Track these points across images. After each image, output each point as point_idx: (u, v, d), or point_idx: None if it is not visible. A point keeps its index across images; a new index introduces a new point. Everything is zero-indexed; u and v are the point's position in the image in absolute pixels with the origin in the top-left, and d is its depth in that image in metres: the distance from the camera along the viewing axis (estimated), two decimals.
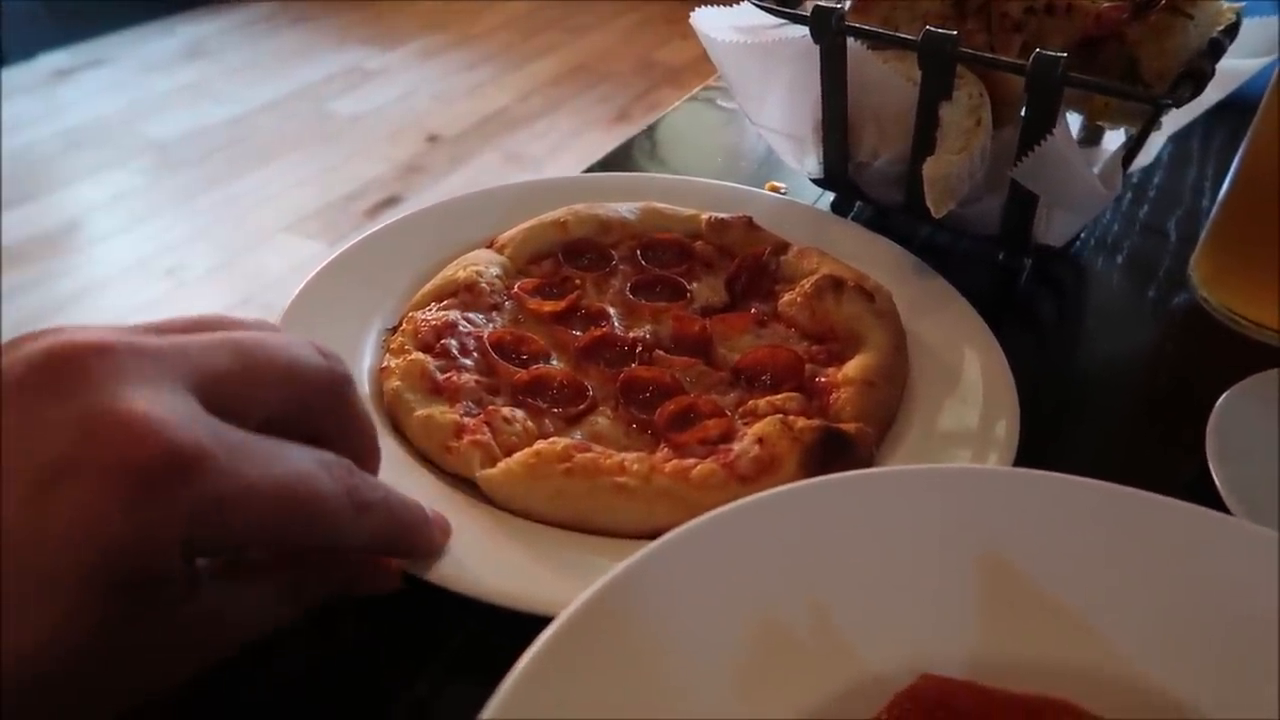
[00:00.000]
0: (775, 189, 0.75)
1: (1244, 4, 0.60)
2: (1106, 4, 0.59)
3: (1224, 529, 0.39)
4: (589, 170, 0.77)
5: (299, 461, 0.33)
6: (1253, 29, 0.65)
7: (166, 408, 0.29)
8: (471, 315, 0.54)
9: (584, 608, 0.33)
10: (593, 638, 0.33)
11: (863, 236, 0.65)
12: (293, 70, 3.67)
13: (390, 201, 2.86)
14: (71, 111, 3.26)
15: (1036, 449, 0.50)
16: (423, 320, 0.52)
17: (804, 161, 0.70)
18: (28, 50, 3.51)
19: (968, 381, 0.53)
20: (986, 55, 0.58)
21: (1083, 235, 0.73)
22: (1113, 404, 0.59)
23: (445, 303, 0.54)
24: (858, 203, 0.71)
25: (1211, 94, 0.65)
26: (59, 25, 3.60)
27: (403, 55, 3.82)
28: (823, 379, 0.51)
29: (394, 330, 0.54)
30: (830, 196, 0.72)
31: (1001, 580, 0.37)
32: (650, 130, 0.86)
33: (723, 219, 0.62)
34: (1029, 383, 0.53)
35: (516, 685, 0.31)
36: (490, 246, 0.61)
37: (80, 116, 3.23)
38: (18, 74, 3.45)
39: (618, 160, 0.80)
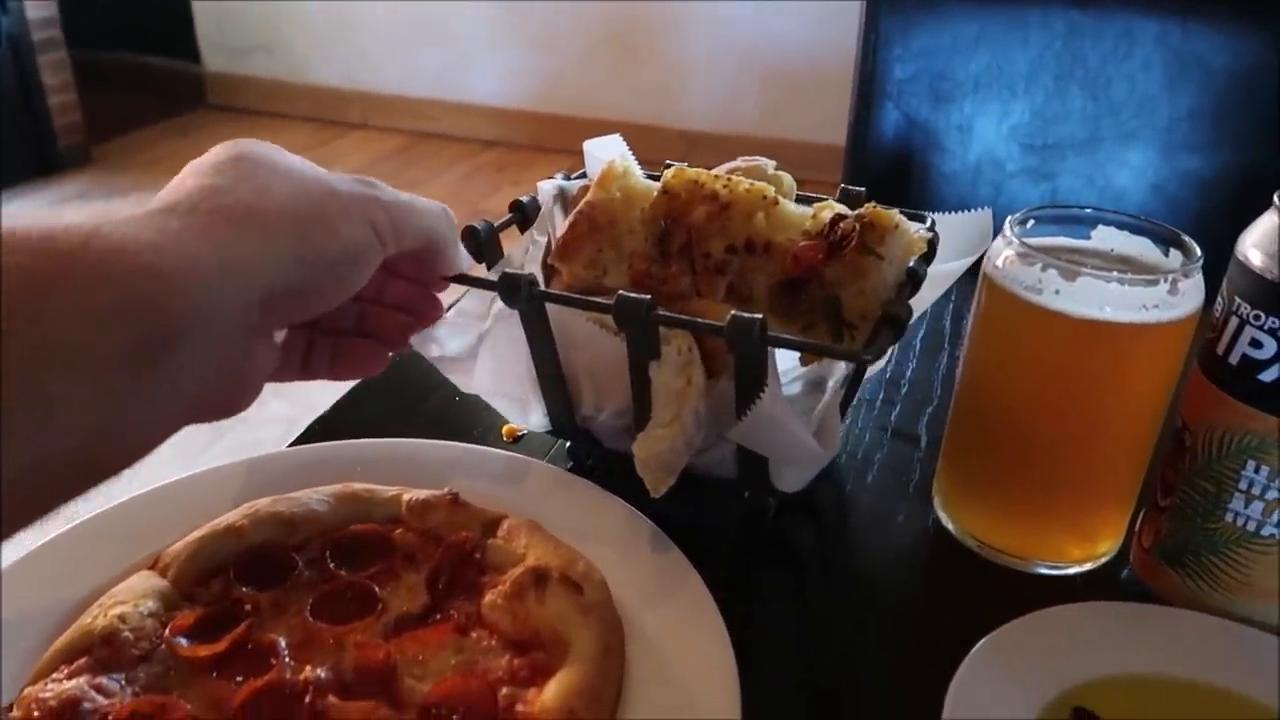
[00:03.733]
0: (513, 434, 0.70)
1: (932, 231, 0.59)
2: (804, 243, 0.57)
3: None
4: (305, 434, 0.70)
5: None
6: (968, 222, 0.65)
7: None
8: (104, 681, 0.45)
9: None
10: None
11: (594, 501, 0.60)
12: None
13: None
14: None
15: (765, 709, 0.45)
16: (38, 701, 0.44)
17: (529, 418, 0.65)
18: None
19: (688, 687, 0.47)
20: (684, 318, 0.54)
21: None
22: (854, 644, 0.55)
23: (75, 666, 0.46)
24: (593, 449, 0.67)
25: (928, 296, 0.65)
26: None
27: None
28: (521, 708, 0.45)
29: (7, 710, 0.45)
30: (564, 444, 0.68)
31: None
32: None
33: (424, 500, 0.56)
34: (766, 615, 0.48)
35: None
36: (154, 566, 0.53)
37: None
38: None
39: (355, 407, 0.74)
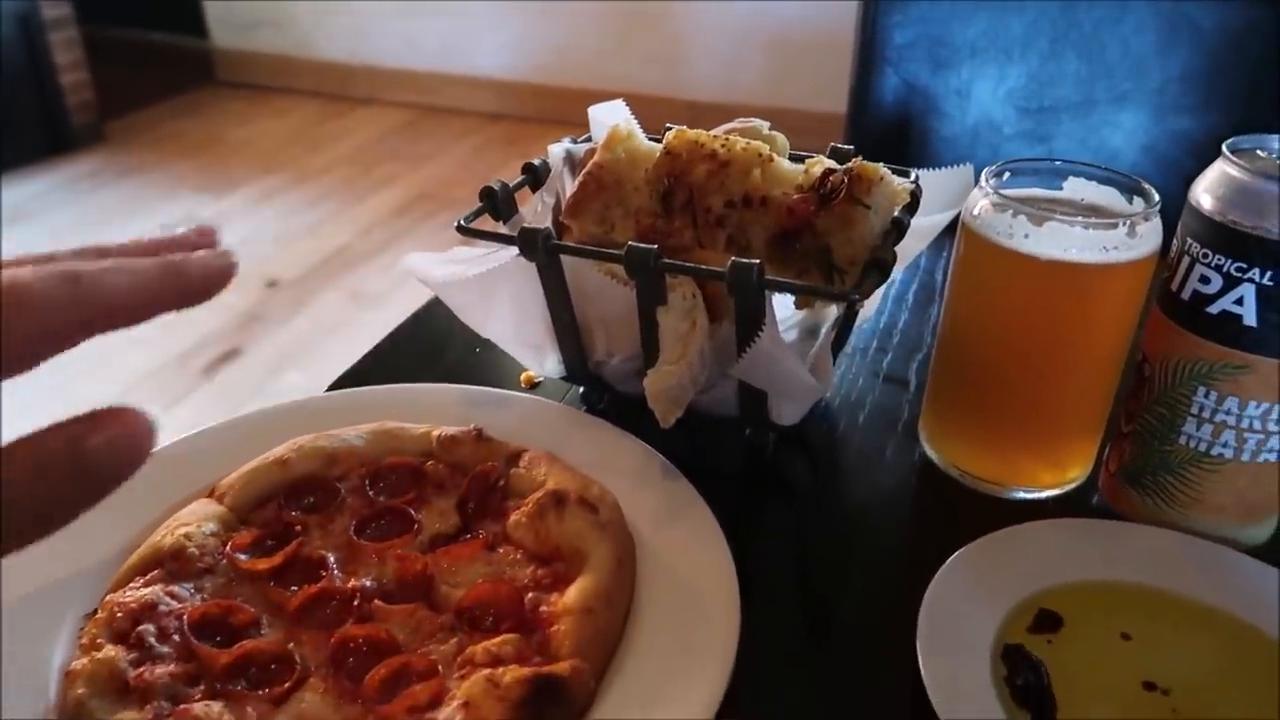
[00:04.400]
0: (530, 381, 0.75)
1: (915, 184, 0.64)
2: (797, 196, 0.62)
3: None
4: (339, 381, 0.75)
5: None
6: (952, 178, 0.70)
7: None
8: (177, 589, 0.51)
9: None
10: None
11: (608, 437, 0.65)
12: (122, 225, 3.56)
13: (230, 355, 2.77)
14: None
15: (761, 645, 0.51)
16: (120, 605, 0.50)
17: (545, 365, 0.70)
18: None
19: (694, 593, 0.53)
20: (689, 265, 0.60)
21: (828, 395, 0.75)
22: (845, 566, 0.61)
23: (149, 577, 0.52)
24: (606, 393, 0.72)
25: (913, 246, 0.70)
26: None
27: (238, 200, 3.76)
28: (545, 609, 0.51)
29: (92, 615, 0.51)
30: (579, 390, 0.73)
31: None
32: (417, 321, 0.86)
33: (452, 435, 0.62)
34: (776, 559, 0.54)
35: None
36: (210, 495, 0.58)
37: None
38: None
39: (392, 354, 0.80)
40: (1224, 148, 0.53)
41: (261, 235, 3.51)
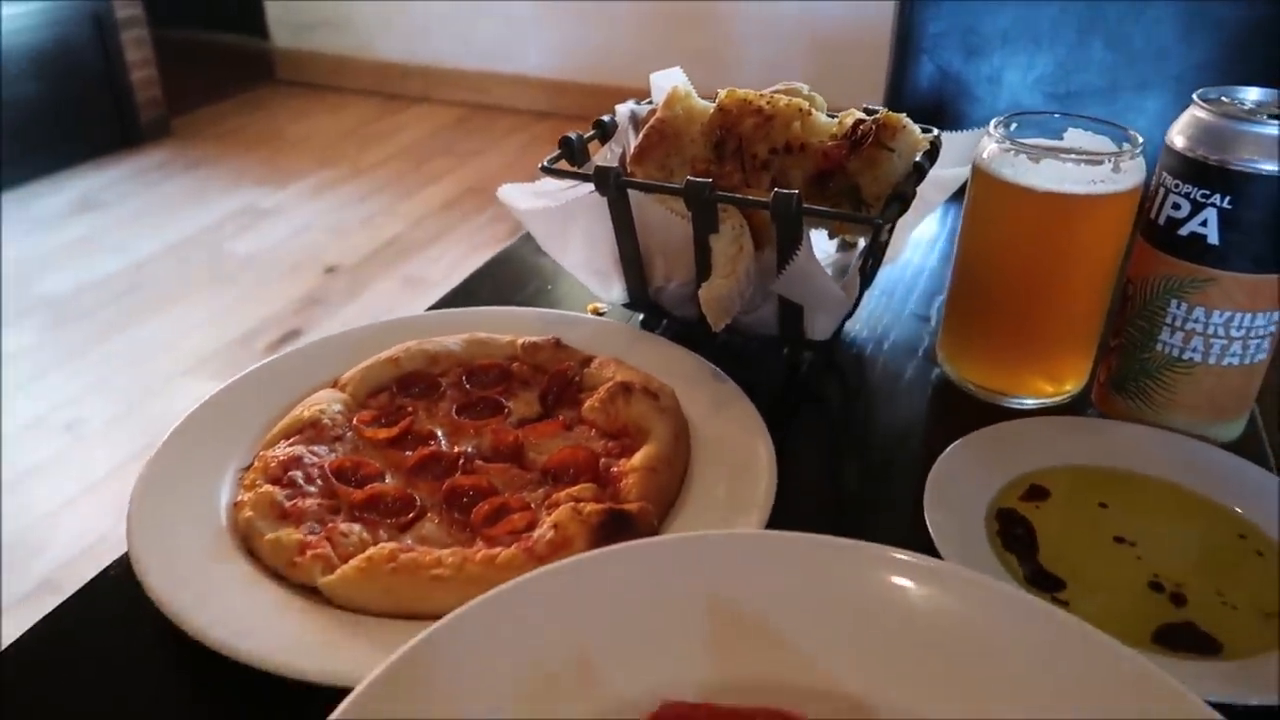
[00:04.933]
0: (596, 310, 0.86)
1: (935, 135, 0.74)
2: (831, 143, 0.73)
3: (907, 566, 0.49)
4: (435, 305, 0.87)
5: None
6: (971, 138, 0.80)
7: None
8: (316, 448, 0.63)
9: (386, 671, 0.42)
10: (397, 690, 0.41)
11: (665, 348, 0.76)
12: (187, 215, 3.74)
13: (291, 335, 2.92)
14: None
15: (795, 507, 0.61)
16: (272, 457, 0.61)
17: (610, 291, 0.81)
18: None
19: (739, 463, 0.63)
20: (738, 195, 0.70)
21: (858, 328, 0.86)
22: (866, 456, 0.71)
23: (293, 440, 0.63)
24: (664, 320, 0.83)
25: (935, 197, 0.80)
26: None
27: (296, 192, 3.92)
28: (615, 469, 0.62)
29: (248, 468, 0.62)
30: (640, 317, 0.84)
31: (729, 620, 0.47)
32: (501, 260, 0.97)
33: (534, 342, 0.73)
34: (808, 453, 0.64)
35: None
36: (334, 386, 0.70)
37: None
38: None
39: (477, 287, 0.91)
40: (1195, 96, 0.63)
41: (318, 225, 3.67)
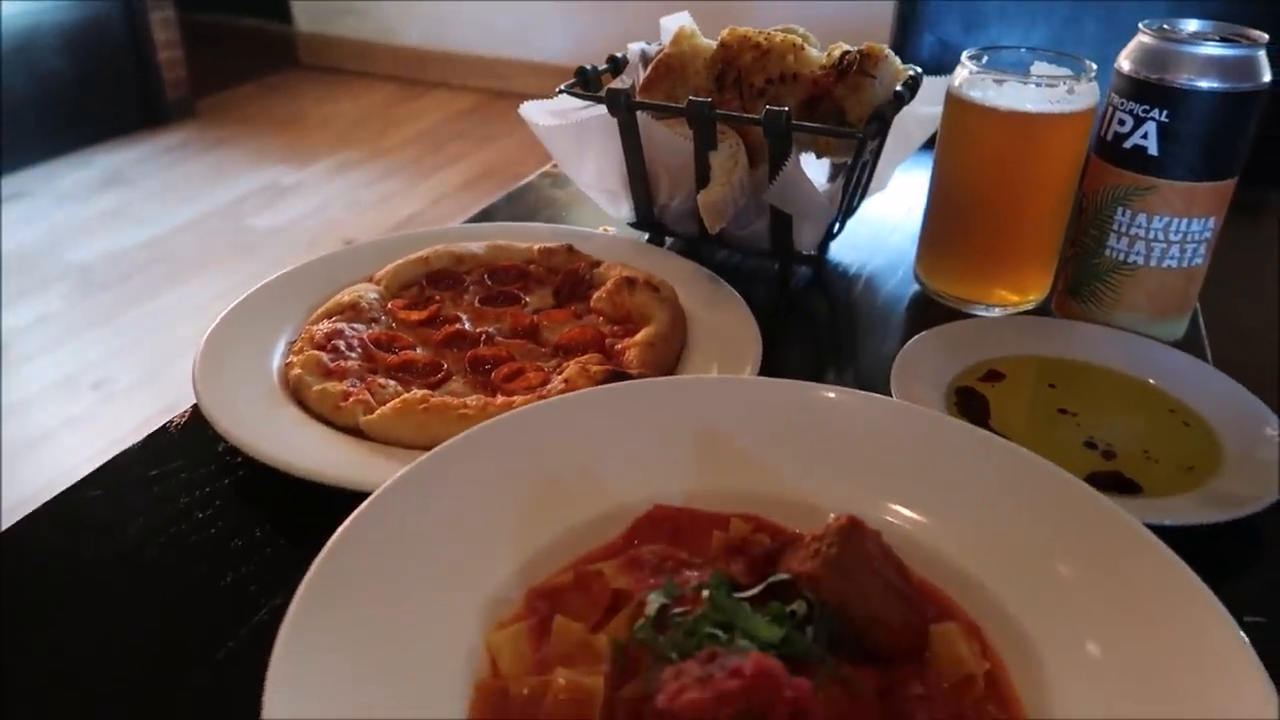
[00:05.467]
0: (606, 231, 0.94)
1: (915, 71, 0.82)
2: (820, 72, 0.81)
3: (861, 399, 0.57)
4: (470, 220, 0.95)
5: None
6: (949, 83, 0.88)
7: None
8: (355, 325, 0.71)
9: (412, 470, 0.50)
10: (425, 483, 0.50)
11: (669, 258, 0.84)
12: (210, 191, 3.84)
13: None
14: None
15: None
16: (317, 330, 0.70)
17: (619, 209, 0.90)
18: None
19: (729, 341, 0.71)
20: (735, 114, 0.78)
21: (845, 252, 0.93)
22: (846, 350, 0.79)
23: (334, 318, 0.72)
24: (667, 239, 0.91)
25: (919, 133, 0.88)
26: None
27: (316, 171, 4.02)
28: (619, 346, 0.70)
29: (295, 341, 0.71)
30: (646, 237, 0.92)
31: (712, 442, 0.55)
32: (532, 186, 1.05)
33: (549, 247, 0.81)
34: (792, 339, 0.72)
35: (363, 514, 0.47)
36: (370, 280, 0.78)
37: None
38: None
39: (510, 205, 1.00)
40: (1140, 24, 0.71)
41: (337, 203, 3.76)
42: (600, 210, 0.93)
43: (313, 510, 0.55)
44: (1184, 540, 0.47)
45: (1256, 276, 0.94)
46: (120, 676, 0.49)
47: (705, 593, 0.43)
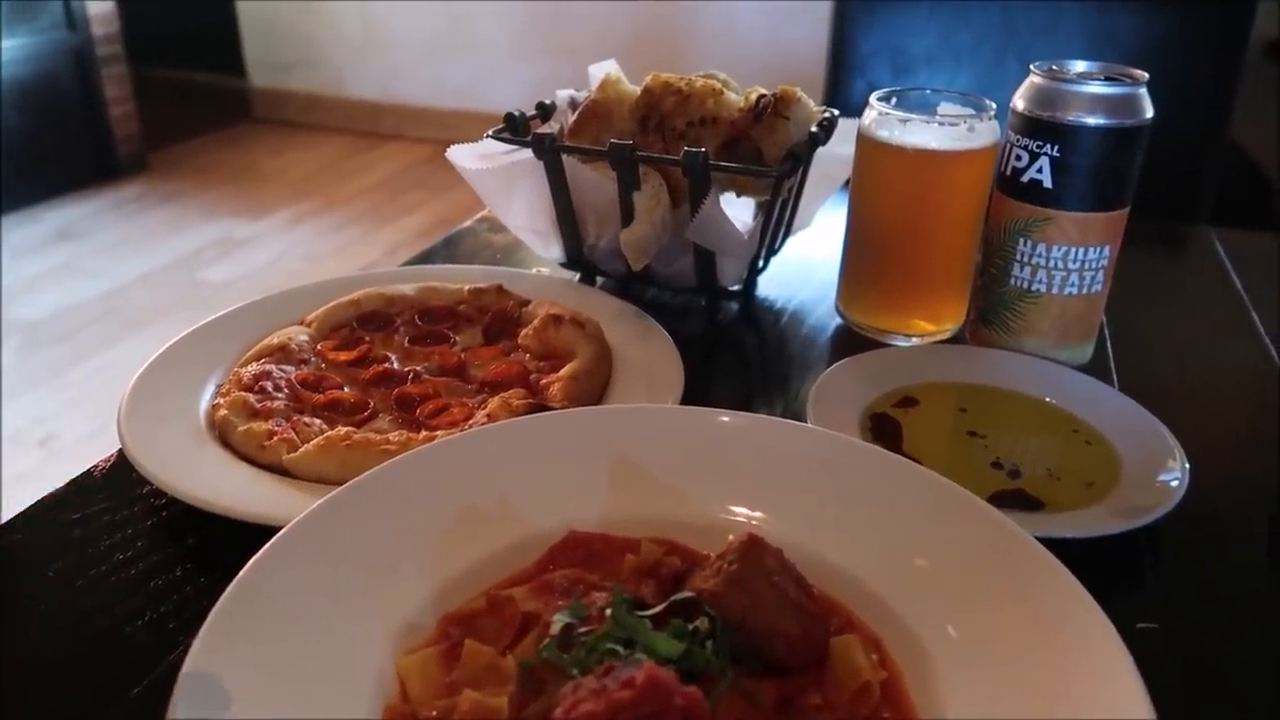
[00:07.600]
0: (540, 272, 0.96)
1: (828, 112, 0.86)
2: (738, 114, 0.84)
3: (769, 424, 0.59)
4: (406, 263, 0.97)
5: None
6: None
7: None
8: (284, 366, 0.72)
9: (329, 501, 0.51)
10: (341, 512, 0.51)
11: (598, 295, 0.87)
12: (164, 244, 3.82)
13: None
14: None
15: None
16: (245, 372, 0.71)
17: (549, 250, 0.92)
18: None
19: (654, 375, 0.73)
20: (655, 155, 0.81)
21: (771, 289, 0.96)
22: (770, 386, 0.81)
23: (264, 360, 0.73)
24: (599, 278, 0.93)
25: (839, 173, 0.91)
26: None
27: (271, 223, 4.02)
28: (544, 381, 0.71)
29: (224, 383, 0.71)
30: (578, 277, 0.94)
31: (626, 469, 0.57)
32: (455, 238, 1.07)
33: (479, 287, 0.83)
34: (719, 371, 0.74)
35: (274, 546, 0.48)
36: (302, 323, 0.80)
37: None
38: None
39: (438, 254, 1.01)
40: (1031, 66, 0.75)
41: (293, 254, 3.76)
42: (536, 252, 0.95)
43: (236, 548, 0.55)
44: (1087, 553, 0.50)
45: (1165, 302, 0.98)
46: (39, 712, 0.49)
47: (609, 611, 0.45)
